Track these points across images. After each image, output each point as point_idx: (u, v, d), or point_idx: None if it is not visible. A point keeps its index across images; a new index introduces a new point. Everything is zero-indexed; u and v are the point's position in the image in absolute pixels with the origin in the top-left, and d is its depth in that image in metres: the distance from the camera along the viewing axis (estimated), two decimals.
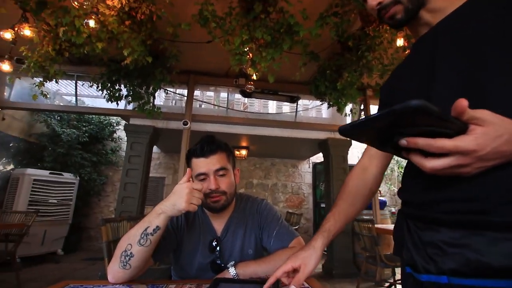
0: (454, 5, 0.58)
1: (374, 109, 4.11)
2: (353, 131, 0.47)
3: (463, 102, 0.40)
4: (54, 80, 2.78)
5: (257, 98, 4.30)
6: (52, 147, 5.04)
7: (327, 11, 2.04)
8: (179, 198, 0.83)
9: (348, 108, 3.49)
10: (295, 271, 0.73)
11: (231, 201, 1.05)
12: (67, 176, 4.83)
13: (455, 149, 0.42)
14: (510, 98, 0.47)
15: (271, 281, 0.71)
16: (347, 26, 2.07)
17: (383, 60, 2.46)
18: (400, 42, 2.24)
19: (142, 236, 0.82)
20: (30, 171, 4.33)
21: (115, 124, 6.12)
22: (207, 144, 0.99)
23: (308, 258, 0.73)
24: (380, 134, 0.47)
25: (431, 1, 0.60)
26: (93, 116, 5.70)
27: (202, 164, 0.98)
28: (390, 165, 6.80)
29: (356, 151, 5.45)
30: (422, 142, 0.43)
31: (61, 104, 5.17)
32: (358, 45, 2.45)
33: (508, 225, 0.45)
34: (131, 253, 0.82)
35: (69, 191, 4.84)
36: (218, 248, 1.02)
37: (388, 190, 6.85)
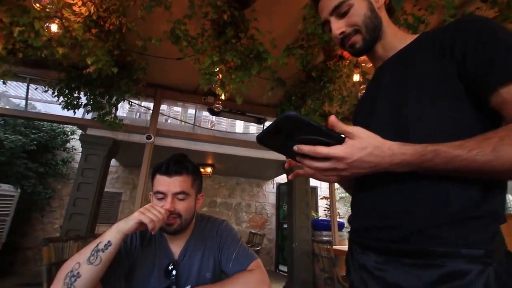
0: (403, 43, 0.65)
1: None
2: (264, 138, 0.54)
3: (333, 118, 0.50)
4: (1, 80, 2.53)
5: (224, 117, 4.34)
6: None
7: (293, 44, 2.20)
8: (136, 211, 0.81)
9: None
10: None
11: (186, 226, 1.01)
12: (5, 188, 4.26)
13: (328, 155, 0.50)
14: (426, 131, 0.54)
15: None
16: (311, 58, 2.25)
17: (342, 91, 2.69)
18: (356, 77, 2.48)
19: (93, 253, 0.76)
20: None
21: (69, 133, 5.64)
22: (173, 163, 0.95)
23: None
24: (283, 142, 0.54)
25: (386, 36, 0.67)
26: (45, 123, 5.22)
27: (163, 183, 0.94)
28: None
29: None
30: (306, 148, 0.51)
31: (7, 107, 4.66)
32: (321, 76, 2.66)
33: (417, 251, 0.51)
34: (78, 273, 0.74)
35: (6, 205, 4.25)
36: (174, 273, 0.98)
37: (347, 211, 7.17)
